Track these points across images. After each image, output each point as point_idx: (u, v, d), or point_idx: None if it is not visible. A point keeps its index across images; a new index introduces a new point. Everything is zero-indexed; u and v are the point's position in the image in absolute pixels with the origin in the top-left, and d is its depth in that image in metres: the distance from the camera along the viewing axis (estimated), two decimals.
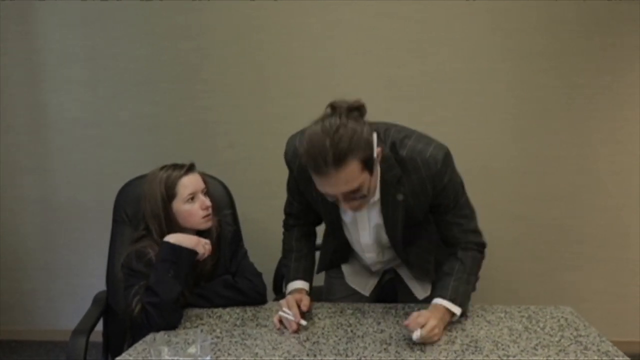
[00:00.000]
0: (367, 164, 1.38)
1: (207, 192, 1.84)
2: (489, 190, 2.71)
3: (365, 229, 1.66)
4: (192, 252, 1.68)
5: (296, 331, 1.55)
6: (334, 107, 1.40)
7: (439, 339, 1.48)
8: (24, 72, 2.87)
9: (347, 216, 1.65)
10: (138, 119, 2.85)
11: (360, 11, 2.64)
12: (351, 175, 1.35)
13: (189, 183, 1.76)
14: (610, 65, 2.61)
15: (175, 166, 1.80)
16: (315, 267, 1.93)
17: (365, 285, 1.90)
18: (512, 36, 2.62)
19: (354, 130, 1.34)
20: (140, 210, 1.86)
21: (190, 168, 1.81)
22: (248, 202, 2.78)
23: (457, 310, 1.54)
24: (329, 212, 1.66)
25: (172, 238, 1.68)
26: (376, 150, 1.42)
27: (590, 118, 2.66)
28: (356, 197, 1.42)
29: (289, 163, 1.67)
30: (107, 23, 2.77)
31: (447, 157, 1.52)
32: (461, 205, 1.60)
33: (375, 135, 1.41)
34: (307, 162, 1.36)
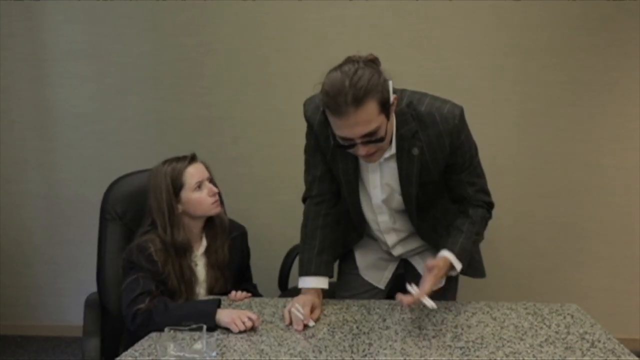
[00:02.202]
0: (384, 107, 1.44)
1: (211, 180, 1.87)
2: (494, 186, 2.65)
3: (377, 187, 1.66)
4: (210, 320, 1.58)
5: (301, 330, 1.55)
6: (349, 59, 1.46)
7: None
8: (29, 68, 2.87)
9: (362, 171, 1.67)
10: (142, 114, 2.86)
11: (365, 8, 2.64)
12: (369, 115, 1.40)
13: (195, 172, 1.81)
14: (616, 62, 2.60)
15: (178, 159, 1.83)
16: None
17: (380, 279, 1.90)
18: (517, 33, 2.61)
19: (371, 73, 1.41)
20: (136, 206, 1.90)
21: (193, 158, 1.84)
22: (252, 198, 2.80)
23: (458, 266, 1.61)
24: (347, 169, 1.66)
25: (221, 315, 1.59)
26: (392, 97, 1.47)
27: (596, 115, 2.65)
28: (373, 140, 1.45)
29: (309, 119, 1.67)
30: (112, 19, 2.77)
31: (463, 114, 1.60)
32: (475, 165, 1.67)
33: (391, 83, 1.47)
34: (328, 103, 1.41)
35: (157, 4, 2.74)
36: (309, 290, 1.67)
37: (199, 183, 1.80)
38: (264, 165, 2.81)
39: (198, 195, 1.80)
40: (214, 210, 1.84)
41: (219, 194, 1.87)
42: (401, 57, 2.65)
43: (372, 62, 1.48)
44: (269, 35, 2.71)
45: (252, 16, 2.70)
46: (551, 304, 1.68)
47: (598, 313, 1.82)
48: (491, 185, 2.76)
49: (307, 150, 1.75)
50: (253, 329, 1.56)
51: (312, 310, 1.61)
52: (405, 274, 1.91)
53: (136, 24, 2.77)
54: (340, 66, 1.44)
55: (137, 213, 1.92)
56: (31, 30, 2.84)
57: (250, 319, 1.55)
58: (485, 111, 2.66)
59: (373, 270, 1.90)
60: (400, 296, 1.50)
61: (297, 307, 1.57)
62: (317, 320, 1.60)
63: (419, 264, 1.86)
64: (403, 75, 2.66)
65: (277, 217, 2.78)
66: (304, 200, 1.81)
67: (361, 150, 1.47)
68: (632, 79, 2.61)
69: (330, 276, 1.73)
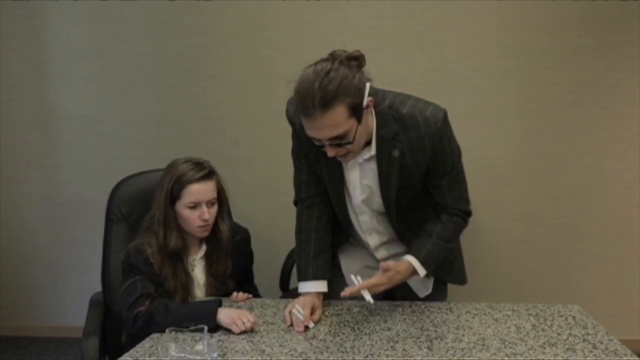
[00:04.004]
0: (355, 111, 1.41)
1: (218, 201, 1.82)
2: (496, 188, 2.70)
3: (356, 187, 1.65)
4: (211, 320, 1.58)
5: (302, 331, 1.55)
6: (332, 55, 1.44)
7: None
8: (31, 69, 2.87)
9: (345, 172, 1.64)
10: (144, 115, 2.86)
11: (367, 9, 2.63)
12: (337, 119, 1.38)
13: (196, 191, 1.75)
14: (619, 63, 2.59)
15: (195, 166, 1.77)
16: None
17: None
18: (519, 34, 2.60)
19: (344, 76, 1.38)
20: (141, 207, 1.91)
21: (207, 175, 1.77)
22: (253, 199, 2.80)
23: (422, 272, 1.61)
24: (331, 169, 1.64)
25: (221, 315, 1.59)
26: (366, 100, 1.43)
27: (598, 116, 2.65)
28: (341, 143, 1.44)
29: (291, 119, 1.67)
30: (114, 20, 2.78)
31: (446, 118, 1.55)
32: (457, 171, 1.63)
33: (368, 85, 1.44)
34: (297, 103, 1.40)
35: (160, 5, 2.74)
36: (309, 293, 1.67)
37: (194, 204, 1.75)
38: (265, 166, 2.81)
39: (189, 214, 1.75)
40: (199, 234, 1.80)
41: (227, 209, 1.86)
42: (404, 59, 2.65)
43: (356, 59, 1.45)
44: (271, 37, 2.71)
45: (254, 17, 2.70)
46: (553, 306, 1.68)
47: (600, 315, 1.82)
48: (493, 187, 2.78)
49: (293, 153, 1.75)
50: (252, 329, 1.55)
51: (312, 312, 1.60)
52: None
53: (138, 24, 2.78)
54: (315, 63, 1.42)
55: (142, 214, 1.92)
56: (33, 30, 2.84)
57: (248, 319, 1.55)
58: (487, 112, 2.66)
59: (359, 277, 1.87)
60: (345, 290, 1.53)
61: (298, 309, 1.57)
62: (318, 322, 1.60)
63: None
64: (406, 76, 2.68)
65: (278, 218, 2.78)
66: (295, 203, 1.80)
67: (330, 152, 1.47)
68: (634, 80, 2.61)
69: (329, 278, 1.73)
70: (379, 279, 1.56)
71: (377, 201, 1.66)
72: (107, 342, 1.97)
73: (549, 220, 2.75)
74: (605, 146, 2.68)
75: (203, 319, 1.50)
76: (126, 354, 1.45)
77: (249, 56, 2.74)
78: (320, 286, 1.69)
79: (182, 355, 1.37)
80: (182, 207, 1.76)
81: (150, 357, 1.43)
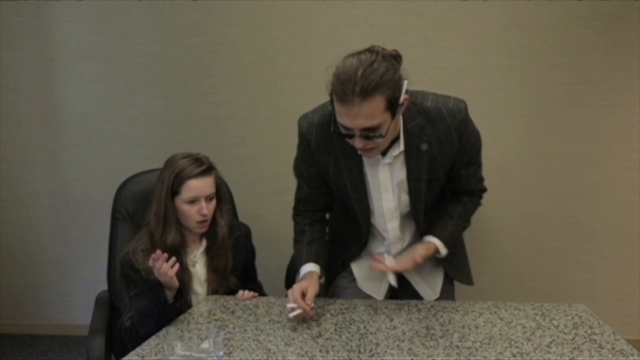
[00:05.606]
0: (392, 105, 1.41)
1: (216, 197, 1.84)
2: (502, 187, 2.69)
3: (388, 189, 1.64)
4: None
5: (312, 316, 1.57)
6: (372, 49, 1.44)
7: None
8: (37, 68, 2.88)
9: (370, 175, 1.64)
10: (150, 114, 2.86)
11: (372, 8, 2.63)
12: (373, 110, 1.38)
13: (195, 187, 1.76)
14: (624, 62, 2.58)
15: (194, 161, 1.78)
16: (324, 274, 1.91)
17: (378, 289, 1.87)
18: (525, 32, 2.59)
19: (387, 68, 1.39)
20: (146, 206, 1.90)
21: (206, 171, 1.78)
22: (259, 198, 2.80)
23: (444, 251, 1.69)
24: (353, 177, 1.64)
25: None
26: (403, 96, 1.44)
27: (604, 115, 2.64)
28: (373, 136, 1.43)
29: (305, 136, 1.65)
30: (120, 19, 2.78)
31: (467, 108, 1.60)
32: (479, 156, 1.70)
33: (405, 83, 1.45)
34: (336, 88, 1.39)
35: (165, 4, 2.74)
36: (302, 278, 1.69)
37: (193, 199, 1.76)
38: (270, 165, 2.82)
39: (188, 209, 1.77)
40: (197, 230, 1.82)
41: (226, 205, 1.88)
42: (408, 57, 2.60)
43: (394, 57, 1.45)
44: (276, 35, 2.71)
45: (260, 16, 2.70)
46: (559, 305, 1.68)
47: (606, 314, 1.82)
48: (498, 186, 2.77)
49: (296, 168, 1.77)
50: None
51: (304, 294, 1.57)
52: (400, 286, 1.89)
53: (144, 24, 2.78)
54: (358, 53, 1.42)
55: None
56: (39, 30, 2.85)
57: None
58: (493, 111, 2.65)
59: (371, 281, 1.87)
60: (373, 263, 1.62)
61: (289, 306, 1.57)
62: (316, 299, 1.62)
63: (412, 276, 1.84)
64: (409, 75, 2.66)
65: (283, 216, 2.75)
66: (293, 211, 1.86)
67: (358, 143, 1.45)
68: (639, 79, 2.60)
69: (322, 265, 1.73)
70: (407, 264, 1.64)
71: (404, 199, 1.66)
72: (113, 340, 1.98)
73: (554, 219, 2.74)
74: (610, 145, 2.67)
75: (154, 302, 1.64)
76: (132, 352, 1.46)
77: (254, 55, 2.74)
78: (312, 267, 1.70)
79: (188, 353, 1.37)
80: (181, 202, 1.77)
81: (156, 355, 1.43)
